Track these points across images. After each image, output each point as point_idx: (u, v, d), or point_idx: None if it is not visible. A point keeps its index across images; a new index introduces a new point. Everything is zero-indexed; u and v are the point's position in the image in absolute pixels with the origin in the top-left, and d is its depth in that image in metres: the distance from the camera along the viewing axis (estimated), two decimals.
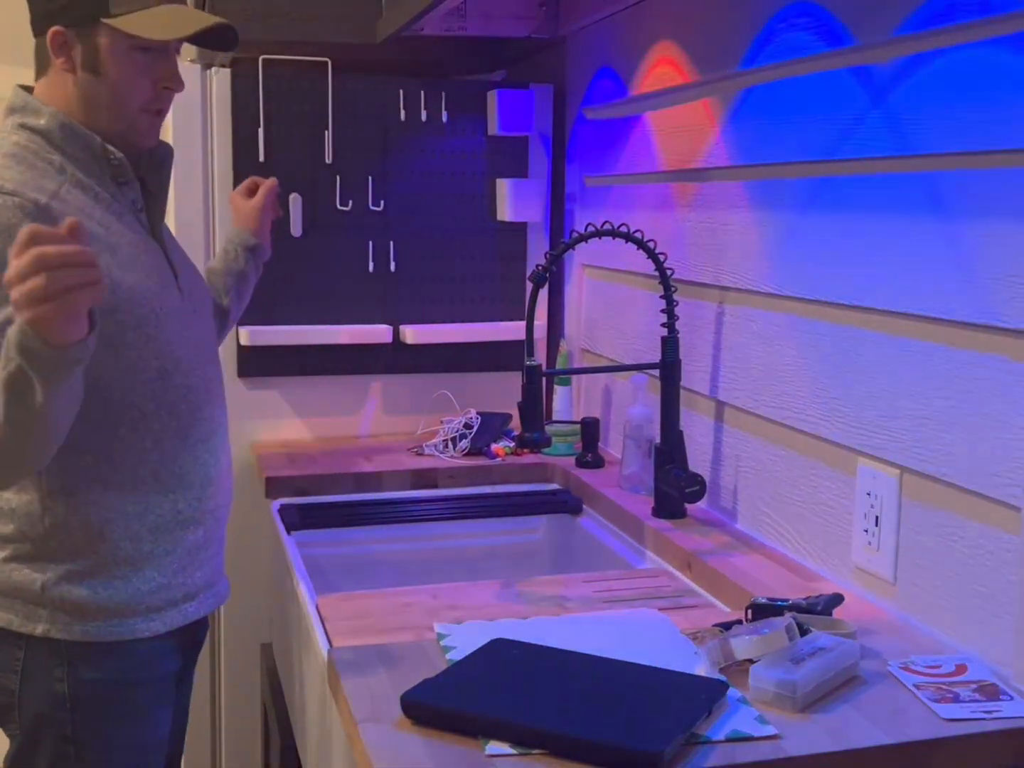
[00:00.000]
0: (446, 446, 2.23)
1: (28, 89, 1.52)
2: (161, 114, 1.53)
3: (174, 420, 1.52)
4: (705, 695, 1.10)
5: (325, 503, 2.03)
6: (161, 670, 1.56)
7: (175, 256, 1.61)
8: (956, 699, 1.13)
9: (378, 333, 2.33)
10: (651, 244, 1.77)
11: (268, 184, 1.95)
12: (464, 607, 1.45)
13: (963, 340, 1.26)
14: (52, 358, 1.19)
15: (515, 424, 2.32)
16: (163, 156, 1.59)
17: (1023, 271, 1.17)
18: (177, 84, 1.52)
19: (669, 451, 1.77)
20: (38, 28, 1.48)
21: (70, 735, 1.49)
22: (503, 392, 2.42)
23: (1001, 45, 1.19)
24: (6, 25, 1.73)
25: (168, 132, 2.29)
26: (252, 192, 1.96)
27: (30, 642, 1.47)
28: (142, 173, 1.56)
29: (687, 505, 1.79)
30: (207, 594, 1.61)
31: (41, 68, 1.51)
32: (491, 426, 2.27)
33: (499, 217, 2.39)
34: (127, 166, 1.52)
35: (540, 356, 2.46)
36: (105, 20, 1.44)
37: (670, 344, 1.78)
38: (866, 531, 1.43)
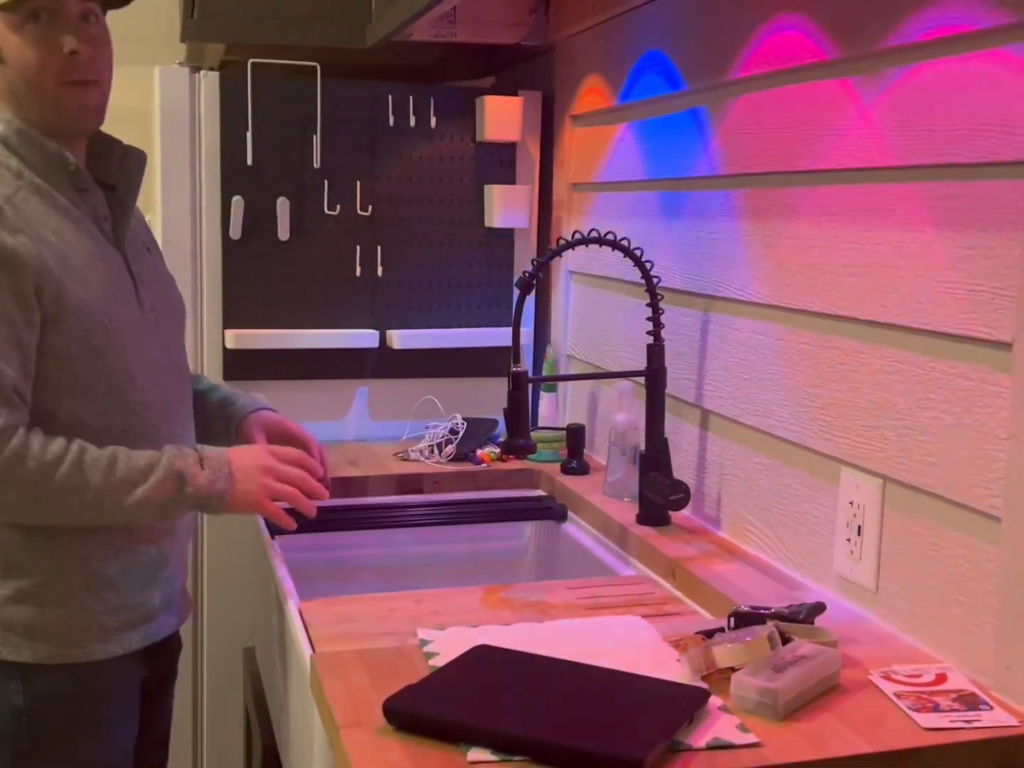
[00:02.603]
0: (432, 451, 2.23)
1: None
2: (87, 86, 1.44)
3: (127, 437, 1.46)
4: (687, 703, 1.10)
5: None
6: (123, 685, 1.51)
7: (139, 267, 1.54)
8: (936, 708, 1.13)
9: (365, 338, 2.33)
10: (637, 252, 1.77)
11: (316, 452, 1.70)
12: (448, 613, 1.45)
13: (945, 351, 1.27)
14: (208, 511, 1.49)
15: (501, 430, 2.32)
16: (134, 163, 1.54)
17: (1005, 284, 1.18)
18: (82, 47, 1.42)
19: (654, 458, 1.78)
20: None
21: (28, 749, 1.44)
22: (489, 398, 2.42)
23: (986, 60, 1.20)
24: None
25: (156, 134, 2.29)
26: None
27: None
28: (112, 180, 1.52)
29: (671, 512, 1.79)
30: (166, 615, 1.55)
31: None
32: (477, 432, 2.27)
33: (487, 223, 2.39)
34: (86, 174, 1.48)
35: (526, 362, 2.46)
36: None
37: (656, 351, 1.79)
38: (848, 540, 1.43)
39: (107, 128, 1.56)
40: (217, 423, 1.73)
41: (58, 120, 1.45)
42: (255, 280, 2.29)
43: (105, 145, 1.54)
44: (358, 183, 2.32)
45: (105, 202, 1.51)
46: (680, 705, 1.09)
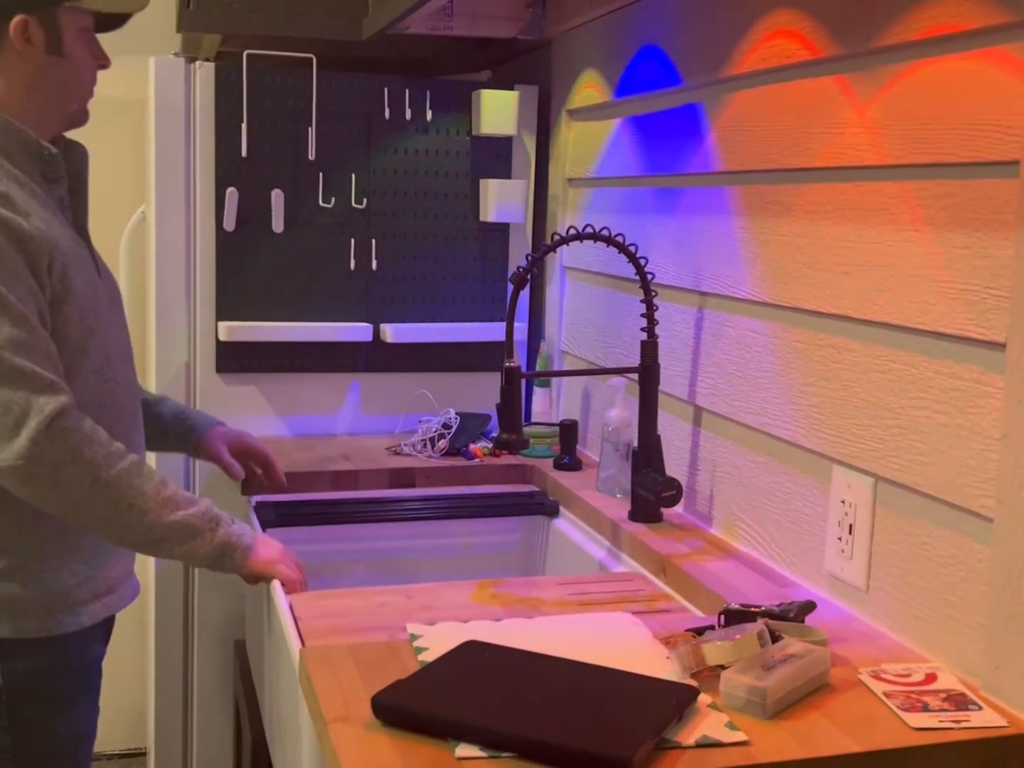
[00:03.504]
0: (424, 446, 2.23)
1: None
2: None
3: (104, 413, 1.53)
4: (676, 700, 1.10)
5: (301, 501, 2.02)
6: (90, 657, 1.59)
7: (96, 257, 1.64)
8: (925, 708, 1.13)
9: (358, 331, 2.33)
10: (632, 248, 1.77)
11: (275, 469, 1.94)
12: (438, 608, 1.45)
13: (939, 351, 1.27)
14: (227, 563, 1.53)
15: (494, 425, 2.32)
16: (81, 156, 1.62)
17: (999, 284, 1.17)
18: (108, 62, 1.59)
19: (646, 455, 1.78)
20: None
21: (6, 725, 1.50)
22: (482, 393, 2.42)
23: (982, 59, 1.20)
24: None
25: (150, 125, 2.28)
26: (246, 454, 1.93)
27: None
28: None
29: (663, 509, 1.79)
30: (125, 587, 1.63)
31: None
32: (470, 427, 2.27)
33: (482, 217, 2.39)
34: (60, 162, 1.55)
35: (520, 358, 2.46)
36: (68, 3, 1.50)
37: (649, 348, 1.79)
38: (839, 539, 1.43)
39: (102, 117, 1.63)
40: (171, 435, 1.84)
41: (76, 117, 1.57)
42: (249, 272, 2.29)
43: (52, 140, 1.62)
44: (353, 176, 2.31)
45: (67, 192, 1.59)
46: (669, 703, 1.09)
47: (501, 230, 2.43)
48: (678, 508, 1.82)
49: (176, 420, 1.84)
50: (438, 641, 1.28)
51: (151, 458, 2.18)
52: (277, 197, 2.27)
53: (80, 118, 1.59)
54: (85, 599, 1.54)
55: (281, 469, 1.95)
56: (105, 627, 1.62)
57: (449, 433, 2.23)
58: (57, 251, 1.47)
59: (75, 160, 1.61)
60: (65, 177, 1.57)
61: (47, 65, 1.52)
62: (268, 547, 1.58)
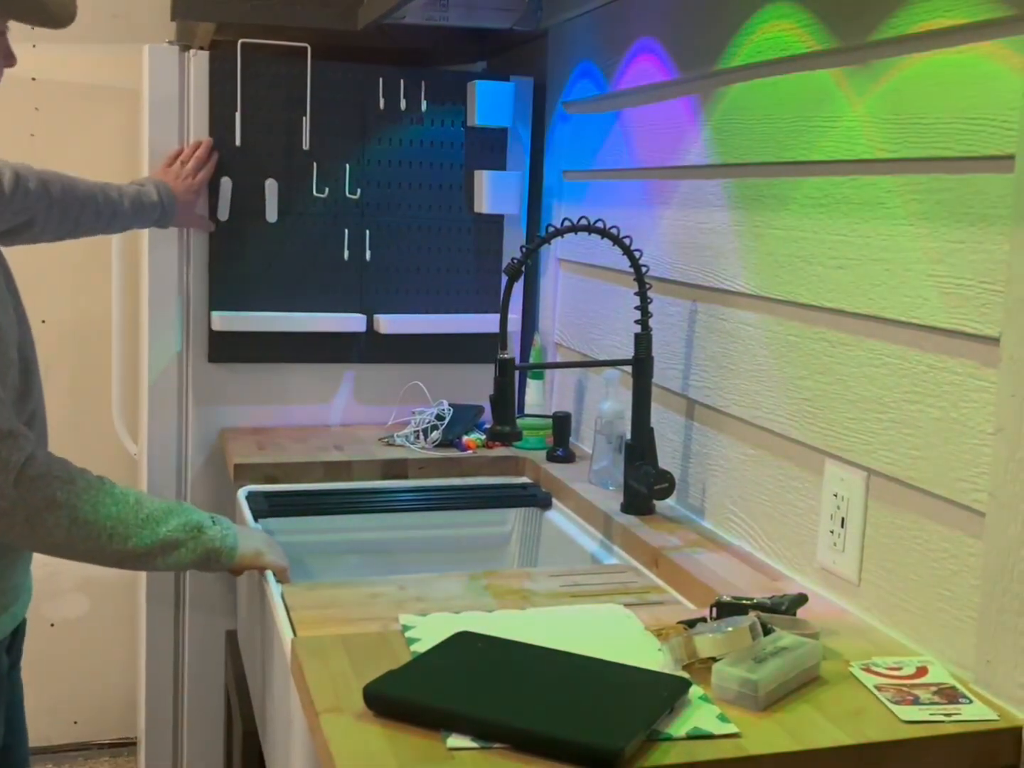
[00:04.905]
0: (417, 437, 2.23)
1: None
2: None
3: (33, 432, 1.48)
4: (667, 692, 1.10)
5: (293, 491, 2.02)
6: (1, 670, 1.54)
7: None
8: (916, 701, 1.14)
9: (352, 322, 2.32)
10: (627, 240, 1.77)
11: (210, 166, 2.19)
12: (431, 599, 1.45)
13: (933, 345, 1.27)
14: (215, 564, 1.52)
15: (487, 417, 2.32)
16: None
17: (993, 278, 1.18)
18: (14, 60, 1.50)
19: (639, 447, 1.78)
20: None
21: None
22: (476, 384, 2.42)
23: (978, 53, 1.19)
24: None
25: (144, 113, 2.28)
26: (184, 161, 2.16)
27: None
28: None
29: (656, 502, 1.79)
30: (25, 594, 1.58)
31: None
32: (463, 418, 2.27)
33: (476, 209, 2.39)
34: None
35: (514, 349, 2.46)
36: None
37: (643, 341, 1.79)
38: (832, 532, 1.43)
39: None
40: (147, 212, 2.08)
41: None
42: (242, 262, 2.28)
43: None
44: (347, 166, 2.31)
45: None
46: (661, 694, 1.09)
47: (496, 222, 2.42)
48: (670, 501, 1.82)
49: (149, 208, 2.06)
50: (430, 632, 1.28)
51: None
52: (271, 187, 2.26)
53: None
54: None
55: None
56: (9, 639, 1.56)
57: (442, 424, 2.22)
58: None
59: None
60: None
61: None
62: (252, 539, 1.57)
